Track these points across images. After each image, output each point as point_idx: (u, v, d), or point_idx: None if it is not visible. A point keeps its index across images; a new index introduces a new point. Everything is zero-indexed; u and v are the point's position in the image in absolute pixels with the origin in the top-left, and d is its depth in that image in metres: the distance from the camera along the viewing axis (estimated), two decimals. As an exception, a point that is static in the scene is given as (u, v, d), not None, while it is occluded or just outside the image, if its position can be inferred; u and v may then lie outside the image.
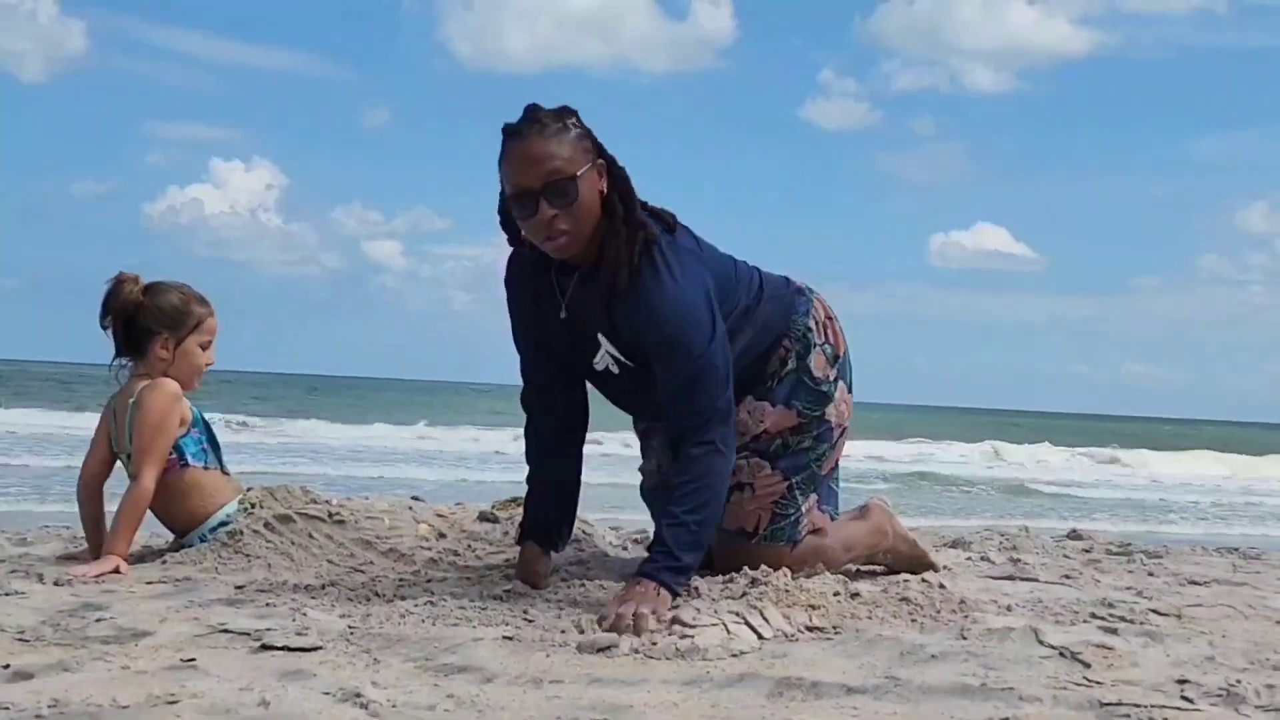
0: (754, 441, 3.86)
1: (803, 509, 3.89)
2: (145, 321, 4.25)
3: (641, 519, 5.23)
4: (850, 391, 4.02)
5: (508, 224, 3.68)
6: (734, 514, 3.83)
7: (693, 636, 3.04)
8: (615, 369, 3.72)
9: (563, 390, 3.91)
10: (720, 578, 3.66)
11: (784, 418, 3.88)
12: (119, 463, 4.27)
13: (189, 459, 4.23)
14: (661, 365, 3.59)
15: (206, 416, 4.40)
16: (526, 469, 3.94)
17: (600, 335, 3.67)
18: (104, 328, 4.29)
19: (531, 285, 3.73)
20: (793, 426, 3.88)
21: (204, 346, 4.32)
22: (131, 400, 4.19)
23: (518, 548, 3.99)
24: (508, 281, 3.85)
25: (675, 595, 3.42)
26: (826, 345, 3.94)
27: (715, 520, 3.61)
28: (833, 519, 4.00)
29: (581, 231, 3.50)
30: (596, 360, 3.73)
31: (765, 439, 3.87)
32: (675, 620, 3.18)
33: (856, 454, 26.39)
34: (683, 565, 3.48)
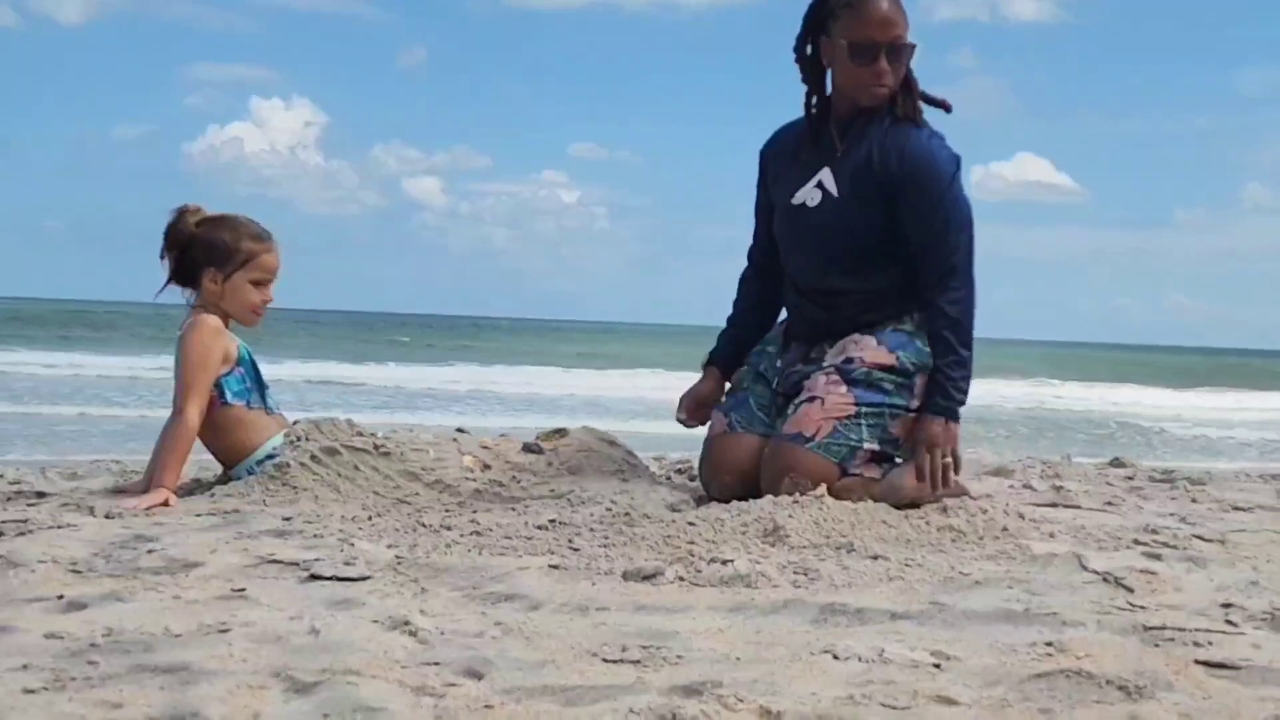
0: (844, 362, 4.06)
1: (863, 443, 3.98)
2: (195, 254, 4.27)
3: (686, 457, 5.27)
4: None
5: (809, 67, 4.20)
6: (797, 420, 4.01)
7: (733, 561, 3.05)
8: (813, 202, 4.17)
9: (762, 261, 4.50)
10: (766, 501, 3.68)
11: (881, 356, 4.05)
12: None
13: (229, 397, 4.24)
14: (909, 201, 4.05)
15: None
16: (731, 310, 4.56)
17: (826, 169, 4.16)
18: (161, 257, 4.31)
19: (789, 140, 4.33)
20: (884, 365, 4.04)
21: (256, 283, 4.31)
22: (179, 333, 4.22)
23: (562, 479, 4.04)
24: (768, 150, 4.43)
25: (958, 418, 4.06)
26: None
27: (971, 352, 4.09)
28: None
29: (894, 89, 4.08)
30: (797, 194, 4.21)
31: (854, 364, 4.05)
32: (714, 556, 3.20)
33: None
34: (961, 389, 4.07)
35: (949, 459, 4.01)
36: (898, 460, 4.06)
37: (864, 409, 3.99)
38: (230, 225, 4.30)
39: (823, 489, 3.80)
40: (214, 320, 4.23)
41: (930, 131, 4.12)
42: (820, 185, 4.16)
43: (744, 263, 4.56)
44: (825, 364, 4.11)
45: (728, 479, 4.10)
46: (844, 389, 4.01)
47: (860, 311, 4.13)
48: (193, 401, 4.12)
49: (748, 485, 4.02)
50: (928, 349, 4.07)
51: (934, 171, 4.04)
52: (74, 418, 12.95)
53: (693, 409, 4.43)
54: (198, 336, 4.18)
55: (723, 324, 4.54)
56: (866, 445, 3.99)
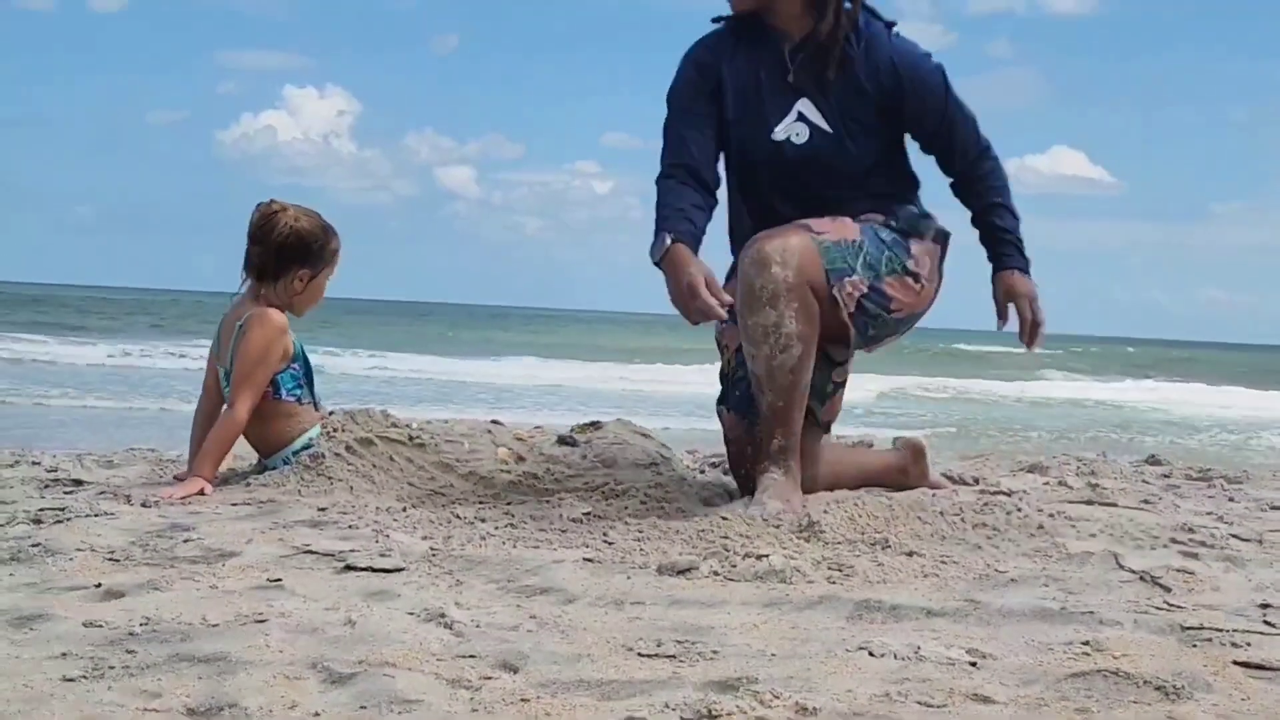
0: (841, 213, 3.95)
1: (855, 272, 3.82)
2: (291, 254, 4.30)
3: (719, 451, 5.23)
4: (934, 283, 4.06)
5: None
6: (808, 220, 3.87)
7: (768, 556, 3.05)
8: (799, 138, 3.95)
9: (710, 178, 4.03)
10: (796, 504, 3.67)
11: (874, 215, 3.98)
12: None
13: (283, 394, 4.27)
14: (917, 106, 3.98)
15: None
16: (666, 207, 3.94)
17: (805, 100, 3.95)
18: (251, 253, 4.32)
19: (740, 60, 4.01)
20: (880, 220, 3.97)
21: (328, 279, 4.41)
22: (239, 323, 4.23)
23: (596, 471, 4.05)
24: (697, 59, 4.07)
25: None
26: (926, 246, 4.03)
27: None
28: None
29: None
30: (778, 129, 3.96)
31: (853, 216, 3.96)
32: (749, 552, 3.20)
33: (943, 387, 26.28)
34: (1026, 249, 4.06)
35: (1042, 315, 4.03)
36: (879, 321, 3.95)
37: (866, 244, 3.86)
38: (318, 224, 4.33)
39: (796, 274, 3.70)
40: (281, 319, 4.25)
41: (892, 32, 4.00)
42: (803, 118, 3.96)
43: None
44: None
45: None
46: (849, 221, 3.91)
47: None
48: (246, 398, 4.15)
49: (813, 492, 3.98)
50: (916, 212, 4.05)
51: (931, 73, 3.99)
52: (105, 409, 12.99)
53: (718, 293, 3.71)
54: (264, 334, 4.19)
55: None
56: (858, 276, 3.83)
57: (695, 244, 3.82)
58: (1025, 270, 4.02)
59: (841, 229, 3.86)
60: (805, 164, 3.96)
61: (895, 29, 3.99)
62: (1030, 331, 4.00)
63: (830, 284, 3.77)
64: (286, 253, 4.28)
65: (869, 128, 3.96)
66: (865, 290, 3.84)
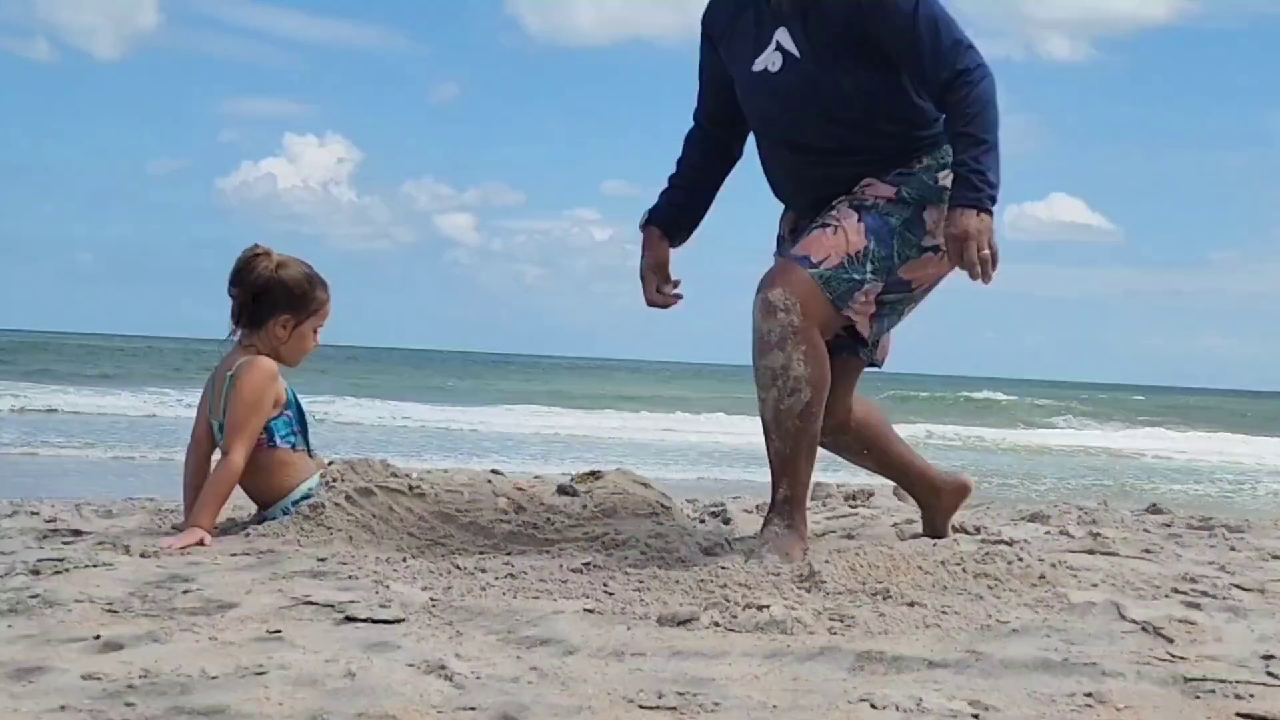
0: (851, 196, 3.92)
1: (865, 283, 3.82)
2: (271, 299, 4.30)
3: (719, 500, 5.24)
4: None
5: None
6: (807, 244, 3.85)
7: (769, 607, 3.04)
8: (774, 67, 3.93)
9: (726, 131, 4.27)
10: (797, 559, 3.66)
11: (883, 190, 3.92)
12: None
13: (278, 440, 4.26)
14: (879, 26, 3.79)
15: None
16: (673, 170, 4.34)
17: (782, 28, 3.91)
18: (231, 296, 4.35)
19: (733, 4, 4.06)
20: (886, 198, 3.90)
21: (315, 329, 4.39)
22: (230, 373, 4.23)
23: (596, 521, 4.03)
24: (701, 21, 4.21)
25: (991, 210, 3.74)
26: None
27: (998, 138, 3.81)
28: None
29: None
30: (758, 61, 3.96)
31: (862, 196, 3.91)
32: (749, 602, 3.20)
33: (952, 434, 26.25)
34: (990, 181, 3.75)
35: (987, 251, 3.72)
36: (903, 308, 3.97)
37: (873, 246, 3.82)
38: (303, 272, 4.34)
39: (800, 317, 3.72)
40: (271, 365, 4.25)
41: None
42: (779, 47, 3.92)
43: None
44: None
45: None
46: (856, 219, 3.84)
47: (860, 171, 3.96)
48: (241, 445, 4.14)
49: (841, 436, 4.08)
50: (931, 181, 3.92)
51: None
52: (105, 458, 12.96)
53: (663, 282, 4.25)
54: (254, 380, 4.19)
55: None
56: (869, 284, 3.82)
57: (672, 223, 4.27)
58: (973, 204, 3.73)
59: (844, 240, 3.82)
60: (785, 95, 3.94)
61: None
62: (970, 269, 3.74)
63: (840, 310, 3.80)
64: (265, 297, 4.29)
65: (845, 56, 3.84)
66: (880, 290, 3.86)
